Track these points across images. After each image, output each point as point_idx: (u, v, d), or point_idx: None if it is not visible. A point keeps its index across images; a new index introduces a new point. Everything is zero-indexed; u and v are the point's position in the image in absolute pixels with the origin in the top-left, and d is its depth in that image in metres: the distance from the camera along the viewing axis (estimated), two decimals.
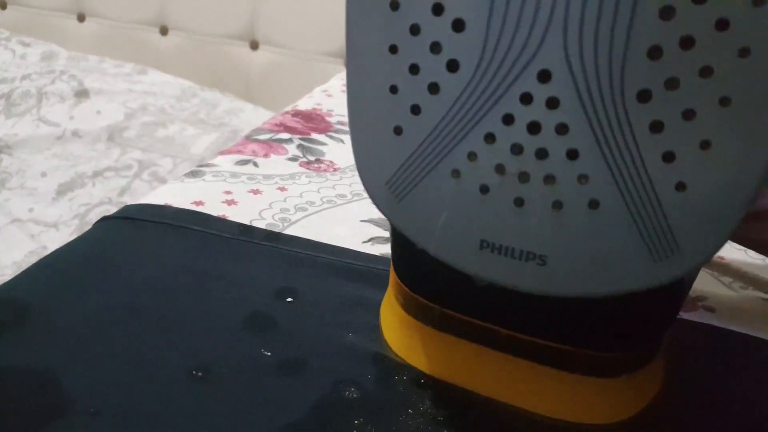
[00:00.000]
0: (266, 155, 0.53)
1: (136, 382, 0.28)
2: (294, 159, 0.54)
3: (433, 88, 0.23)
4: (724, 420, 0.29)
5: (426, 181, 0.24)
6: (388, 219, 0.27)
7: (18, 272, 0.35)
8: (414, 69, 0.23)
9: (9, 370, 0.28)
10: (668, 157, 0.20)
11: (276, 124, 0.61)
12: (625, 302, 0.25)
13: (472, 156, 0.23)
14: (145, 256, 0.37)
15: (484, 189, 0.23)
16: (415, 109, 0.23)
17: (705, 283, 0.42)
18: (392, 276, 0.32)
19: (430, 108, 0.23)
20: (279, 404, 0.28)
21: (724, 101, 0.19)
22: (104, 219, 0.42)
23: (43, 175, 1.17)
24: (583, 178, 0.22)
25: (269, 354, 0.31)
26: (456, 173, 0.23)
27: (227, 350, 0.31)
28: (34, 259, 0.36)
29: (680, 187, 0.21)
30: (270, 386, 0.29)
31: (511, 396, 0.29)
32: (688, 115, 0.20)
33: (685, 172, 0.21)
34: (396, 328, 0.32)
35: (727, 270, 0.41)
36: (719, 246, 0.22)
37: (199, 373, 0.29)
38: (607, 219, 0.22)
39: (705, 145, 0.20)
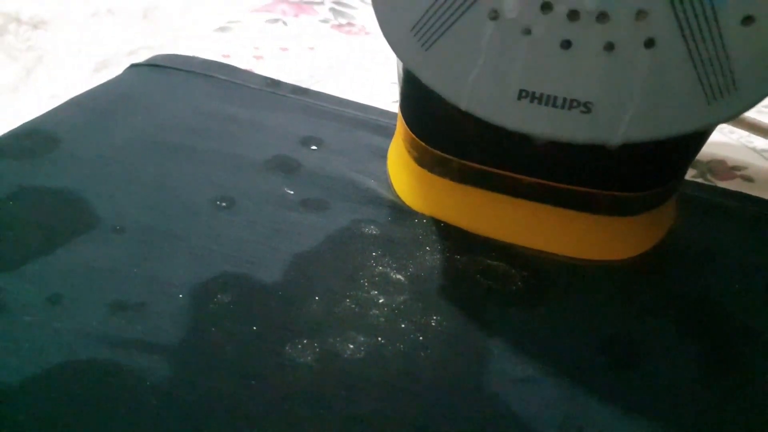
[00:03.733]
0: (296, 15, 0.52)
1: (161, 206, 0.29)
2: (325, 21, 0.52)
3: None
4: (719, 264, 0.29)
5: (458, 24, 0.22)
6: (413, 71, 0.24)
7: None
8: None
9: (40, 189, 0.29)
10: None
11: None
12: (654, 144, 0.24)
13: None
14: (173, 98, 0.37)
15: (527, 31, 0.21)
16: None
17: (745, 154, 0.40)
18: (402, 129, 0.31)
19: None
20: (299, 234, 0.28)
21: None
22: (133, 66, 0.41)
23: (78, 52, 1.17)
24: (641, 14, 0.20)
25: (292, 192, 0.31)
26: (494, 14, 0.21)
27: (251, 186, 0.31)
28: None
29: (747, 20, 0.19)
30: (291, 219, 0.29)
31: (533, 240, 0.29)
32: None
33: (754, 3, 0.19)
34: (408, 182, 0.31)
35: (764, 133, 0.39)
36: None
37: (223, 204, 0.29)
38: (663, 59, 0.20)
39: None
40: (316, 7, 0.54)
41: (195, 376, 0.22)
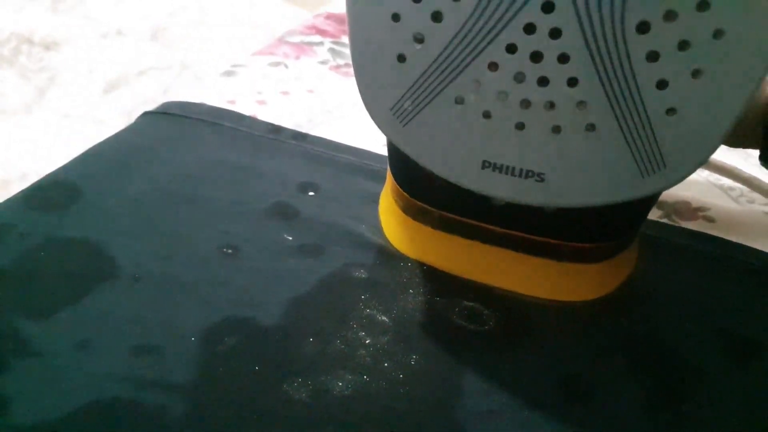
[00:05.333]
0: (297, 57, 0.55)
1: (174, 255, 0.32)
2: (324, 62, 0.56)
3: (437, 16, 0.23)
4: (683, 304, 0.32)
5: (430, 107, 0.25)
6: (394, 143, 0.28)
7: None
8: None
9: (65, 240, 0.33)
10: (662, 84, 0.22)
11: (308, 27, 0.63)
12: (610, 206, 0.27)
13: (475, 83, 0.24)
14: (183, 148, 0.41)
15: (487, 114, 0.25)
16: (419, 37, 0.24)
17: (712, 195, 0.44)
18: (390, 181, 0.35)
19: (434, 36, 0.23)
20: (296, 279, 0.32)
21: (718, 34, 0.21)
22: (146, 114, 0.45)
23: (90, 72, 1.21)
24: (581, 104, 0.23)
25: (290, 238, 0.34)
26: (460, 100, 0.25)
27: (254, 233, 0.34)
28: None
29: (671, 111, 0.22)
30: (289, 265, 0.33)
31: (504, 281, 0.32)
32: (683, 45, 0.21)
33: (676, 98, 0.22)
34: (396, 227, 0.35)
35: (729, 174, 0.42)
36: (701, 163, 0.24)
37: (229, 251, 0.33)
38: (602, 141, 0.24)
39: (697, 74, 0.21)
40: (315, 48, 0.58)
41: (206, 412, 0.25)
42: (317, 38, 0.60)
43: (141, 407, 0.25)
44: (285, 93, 0.50)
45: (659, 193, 0.31)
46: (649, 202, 0.31)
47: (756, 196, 0.44)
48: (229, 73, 0.52)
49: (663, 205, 0.42)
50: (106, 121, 0.99)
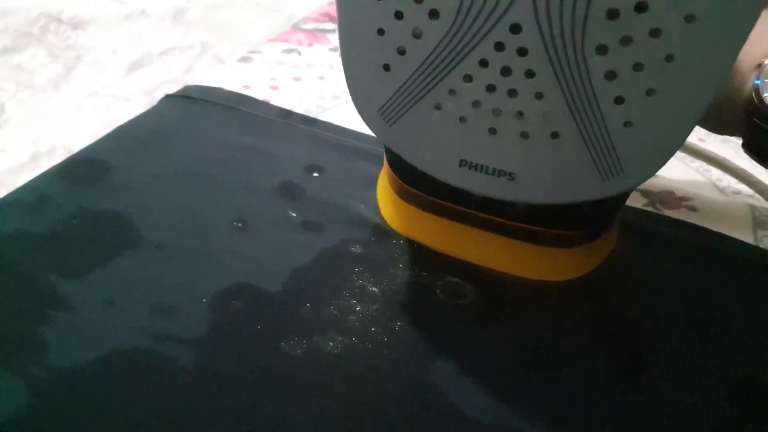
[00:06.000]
0: (310, 44, 0.59)
1: (191, 226, 0.36)
2: (335, 50, 0.59)
3: (417, 33, 0.25)
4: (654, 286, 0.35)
5: (412, 111, 0.28)
6: (380, 140, 0.31)
7: (94, 140, 0.43)
8: (399, 15, 0.25)
9: (96, 211, 0.37)
10: (619, 100, 0.24)
11: (322, 14, 0.66)
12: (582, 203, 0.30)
13: (452, 92, 0.27)
14: (202, 130, 0.45)
15: (463, 119, 0.28)
16: (401, 50, 0.26)
17: (698, 185, 0.46)
18: (386, 167, 0.38)
19: (415, 50, 0.26)
20: (298, 252, 0.35)
21: (669, 58, 0.23)
22: (168, 96, 0.49)
23: (114, 52, 1.25)
24: (546, 115, 0.26)
25: (295, 215, 0.38)
26: (438, 106, 0.28)
27: (262, 209, 0.38)
28: (108, 129, 0.44)
29: (627, 124, 0.25)
30: (293, 239, 0.36)
31: (486, 260, 0.36)
32: (638, 67, 0.23)
33: (632, 113, 0.25)
34: (390, 208, 0.38)
35: (717, 164, 0.45)
36: (657, 170, 0.27)
37: (240, 224, 0.37)
38: (566, 147, 0.27)
39: (650, 92, 0.24)
40: (328, 35, 0.61)
41: (212, 363, 0.29)
42: (330, 25, 0.64)
43: (157, 357, 0.29)
44: (297, 79, 0.53)
45: (629, 191, 0.34)
46: (619, 199, 0.34)
47: (742, 187, 0.46)
48: (245, 59, 0.55)
49: (648, 194, 0.44)
50: (130, 99, 1.03)
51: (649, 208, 0.43)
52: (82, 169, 0.40)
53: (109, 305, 0.31)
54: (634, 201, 0.43)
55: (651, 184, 0.46)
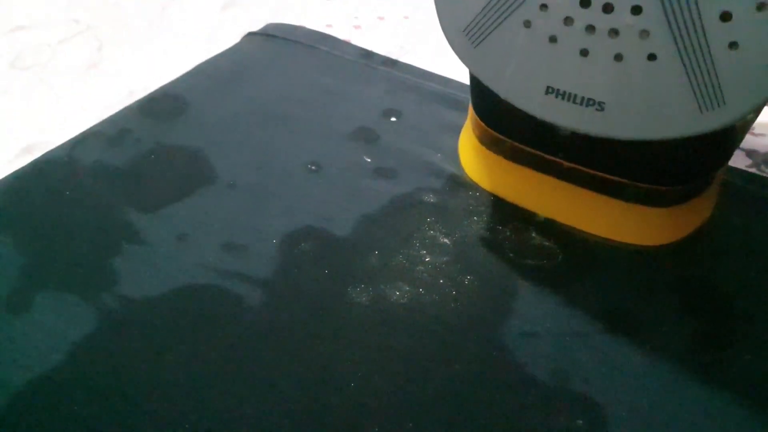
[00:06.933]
0: None
1: (265, 167, 0.36)
2: None
3: None
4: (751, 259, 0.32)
5: (499, 29, 0.27)
6: (464, 63, 0.29)
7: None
8: None
9: (173, 147, 0.37)
10: (725, 16, 0.22)
11: None
12: (676, 144, 0.28)
13: (543, 7, 0.25)
14: (280, 69, 0.44)
15: (553, 39, 0.26)
16: None
17: None
18: (470, 111, 0.36)
19: None
20: (370, 198, 0.34)
21: None
22: (250, 34, 0.48)
23: None
24: (644, 33, 0.23)
25: (369, 160, 0.37)
26: (527, 23, 0.26)
27: (337, 153, 0.37)
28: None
29: (733, 45, 0.22)
30: (365, 184, 0.35)
31: (569, 217, 0.33)
32: None
33: (739, 31, 0.22)
34: (471, 156, 0.36)
35: None
36: (762, 103, 0.24)
37: (313, 167, 0.36)
38: (663, 71, 0.24)
39: (762, 7, 0.21)
40: None
41: (279, 303, 0.29)
42: None
43: (225, 294, 0.29)
44: (381, 18, 0.51)
45: (734, 141, 0.30)
46: (724, 144, 0.30)
47: None
48: None
49: (753, 154, 0.40)
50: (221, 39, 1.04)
51: (753, 170, 0.39)
52: (162, 105, 0.40)
53: (181, 241, 0.32)
54: (737, 161, 0.39)
55: (757, 143, 0.41)
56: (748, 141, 0.41)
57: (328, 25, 0.49)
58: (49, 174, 0.35)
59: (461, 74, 0.45)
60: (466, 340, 0.28)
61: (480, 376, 0.26)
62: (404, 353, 0.27)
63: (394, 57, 0.46)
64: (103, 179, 0.35)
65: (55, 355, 0.26)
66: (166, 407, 0.25)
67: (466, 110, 0.41)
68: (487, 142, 0.35)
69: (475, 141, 0.36)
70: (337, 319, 0.28)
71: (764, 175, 0.38)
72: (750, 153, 0.40)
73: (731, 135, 0.30)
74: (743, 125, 0.30)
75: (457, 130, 0.39)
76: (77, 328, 0.27)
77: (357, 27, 0.50)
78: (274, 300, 0.29)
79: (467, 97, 0.42)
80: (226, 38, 0.52)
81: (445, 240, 0.32)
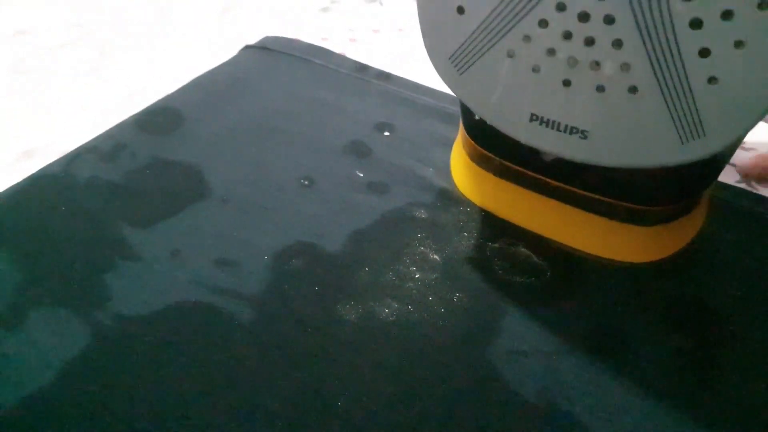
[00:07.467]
0: None
1: (258, 182, 0.36)
2: None
3: None
4: (743, 276, 0.32)
5: (484, 58, 0.27)
6: (451, 89, 0.30)
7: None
8: None
9: (169, 162, 0.37)
10: (704, 53, 0.22)
11: None
12: (660, 170, 0.28)
13: (526, 39, 0.25)
14: (275, 82, 0.44)
15: (536, 69, 0.26)
16: None
17: None
18: (461, 129, 0.37)
19: None
20: (361, 213, 0.35)
21: (763, 5, 0.20)
22: (247, 47, 0.49)
23: None
24: (625, 66, 0.24)
25: (361, 175, 0.37)
26: (511, 53, 0.26)
27: (329, 168, 0.38)
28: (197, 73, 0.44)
29: (712, 80, 0.22)
30: (357, 199, 0.36)
31: (558, 234, 0.34)
32: (727, 15, 0.21)
33: (718, 67, 0.22)
34: (462, 172, 0.37)
35: None
36: (742, 134, 0.24)
37: (306, 182, 0.37)
38: (644, 103, 0.24)
39: (739, 44, 0.21)
40: None
41: (269, 320, 0.29)
42: None
43: (217, 311, 0.30)
44: (376, 31, 0.52)
45: (721, 163, 0.31)
46: (708, 169, 0.31)
47: None
48: (325, 9, 0.54)
49: (742, 170, 0.40)
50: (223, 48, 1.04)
51: (743, 185, 0.39)
52: (158, 119, 0.40)
53: (174, 257, 0.32)
54: (726, 177, 0.40)
55: (745, 158, 0.41)
56: (738, 156, 0.41)
57: (324, 38, 0.50)
58: (45, 189, 0.36)
59: None
60: (455, 359, 0.28)
61: (468, 395, 0.27)
62: (393, 372, 0.27)
63: (388, 70, 0.46)
64: (98, 194, 0.35)
65: (48, 372, 0.27)
66: (156, 425, 0.25)
67: (458, 125, 0.41)
68: (477, 158, 0.35)
69: (465, 157, 0.36)
70: (326, 337, 0.29)
71: (754, 190, 0.39)
72: (739, 168, 0.40)
73: (718, 157, 0.30)
74: (730, 147, 0.30)
75: (449, 144, 0.40)
76: (70, 345, 0.28)
77: (352, 40, 0.50)
78: (264, 317, 0.29)
79: (458, 110, 0.43)
80: (225, 43, 0.53)
81: (435, 256, 0.33)
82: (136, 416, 0.25)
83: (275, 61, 0.47)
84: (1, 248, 0.33)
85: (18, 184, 0.36)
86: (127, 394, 0.26)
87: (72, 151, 0.38)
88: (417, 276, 0.32)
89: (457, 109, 0.42)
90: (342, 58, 0.47)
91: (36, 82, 0.50)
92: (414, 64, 0.48)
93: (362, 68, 0.46)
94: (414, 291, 0.31)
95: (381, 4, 0.55)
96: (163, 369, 0.27)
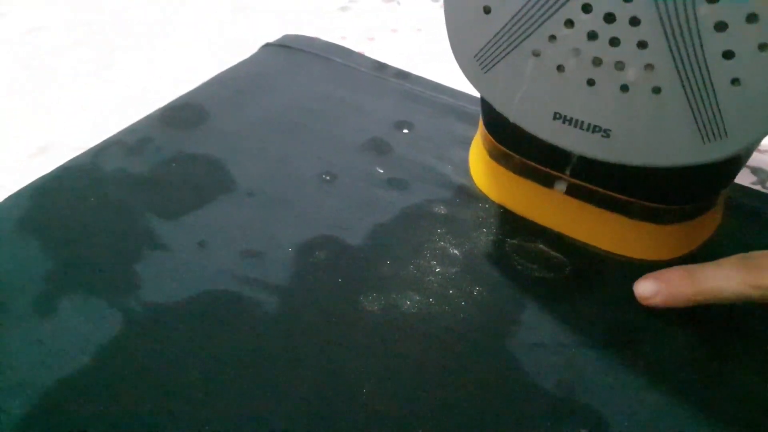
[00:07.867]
0: None
1: (282, 176, 0.37)
2: (435, 0, 0.57)
3: None
4: None
5: (509, 57, 0.28)
6: (475, 87, 0.31)
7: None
8: None
9: (194, 155, 0.38)
10: (728, 54, 0.23)
11: None
12: (679, 169, 0.29)
13: (552, 38, 0.26)
14: (296, 80, 0.45)
15: (561, 68, 0.27)
16: None
17: None
18: (480, 126, 0.37)
19: None
20: (382, 208, 0.35)
21: None
22: (267, 45, 0.50)
23: None
24: (649, 67, 0.24)
25: (381, 171, 0.38)
26: (536, 52, 0.27)
27: (350, 164, 0.38)
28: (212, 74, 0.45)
29: (735, 82, 0.23)
30: (377, 195, 0.36)
31: (576, 232, 0.34)
32: (752, 18, 0.21)
33: (741, 69, 0.23)
34: (481, 169, 0.37)
35: None
36: (763, 135, 0.24)
37: (327, 177, 0.37)
38: (667, 104, 0.25)
39: (763, 47, 0.22)
40: None
41: (294, 309, 0.30)
42: None
43: (243, 300, 0.30)
44: (394, 30, 0.52)
45: (739, 164, 0.31)
46: (726, 170, 0.31)
47: None
48: (344, 8, 0.55)
49: (758, 172, 0.41)
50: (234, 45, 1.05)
51: (758, 187, 0.40)
52: (183, 114, 0.41)
53: (201, 247, 0.33)
54: (742, 178, 0.40)
55: (762, 161, 0.42)
56: (754, 158, 0.42)
57: (343, 37, 0.51)
58: (75, 180, 0.37)
59: (472, 87, 0.46)
60: (475, 350, 0.29)
61: (488, 386, 0.27)
62: (415, 361, 0.28)
63: (406, 69, 0.47)
64: (125, 186, 0.36)
65: (82, 356, 0.28)
66: (185, 408, 0.26)
67: (476, 123, 0.42)
68: (497, 156, 0.36)
69: (484, 154, 0.37)
70: (350, 327, 0.29)
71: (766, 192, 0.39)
72: (755, 170, 0.41)
73: (736, 159, 0.31)
74: (749, 148, 0.31)
75: (467, 142, 0.41)
76: (103, 331, 0.29)
77: (371, 39, 0.51)
78: (289, 307, 0.30)
79: (478, 109, 0.43)
80: (236, 42, 0.53)
81: (455, 251, 0.33)
82: (166, 398, 0.26)
83: (295, 58, 0.48)
84: (31, 237, 0.33)
85: (47, 174, 0.37)
86: (158, 378, 0.27)
87: (98, 144, 0.39)
88: (437, 270, 0.32)
89: (476, 108, 0.43)
90: (361, 57, 0.48)
91: (49, 79, 0.51)
92: (432, 63, 0.49)
93: (381, 67, 0.47)
94: (435, 284, 0.32)
95: (399, 3, 0.56)
96: (193, 353, 0.28)
